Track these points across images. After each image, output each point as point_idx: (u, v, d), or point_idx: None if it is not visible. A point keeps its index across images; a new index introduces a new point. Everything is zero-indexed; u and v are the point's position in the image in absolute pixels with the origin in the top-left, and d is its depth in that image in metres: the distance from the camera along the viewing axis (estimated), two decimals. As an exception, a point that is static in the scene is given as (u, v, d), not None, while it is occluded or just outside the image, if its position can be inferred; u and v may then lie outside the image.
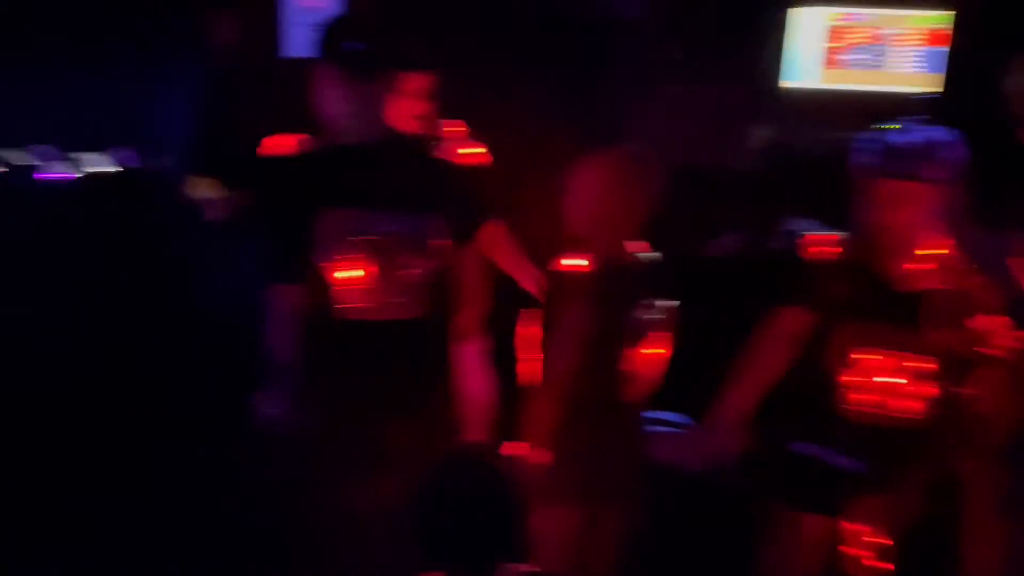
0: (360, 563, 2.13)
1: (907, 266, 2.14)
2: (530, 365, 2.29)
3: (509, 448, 2.25)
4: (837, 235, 2.22)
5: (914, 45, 4.53)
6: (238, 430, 2.21)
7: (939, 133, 2.07)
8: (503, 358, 2.36)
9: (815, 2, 4.62)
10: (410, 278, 2.08)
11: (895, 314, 2.12)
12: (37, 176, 5.68)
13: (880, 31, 4.58)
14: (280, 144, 2.22)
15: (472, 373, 2.31)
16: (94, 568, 2.82)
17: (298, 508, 2.15)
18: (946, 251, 2.13)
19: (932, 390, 2.14)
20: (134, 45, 5.19)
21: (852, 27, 4.61)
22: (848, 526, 2.21)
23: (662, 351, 2.32)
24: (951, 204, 2.08)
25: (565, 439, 2.28)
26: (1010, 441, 2.26)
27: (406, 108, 2.51)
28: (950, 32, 4.47)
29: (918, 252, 2.13)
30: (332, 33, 2.06)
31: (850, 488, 2.19)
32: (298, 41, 4.35)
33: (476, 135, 2.83)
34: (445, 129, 2.77)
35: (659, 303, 2.30)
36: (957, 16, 4.44)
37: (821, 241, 2.22)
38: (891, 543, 2.18)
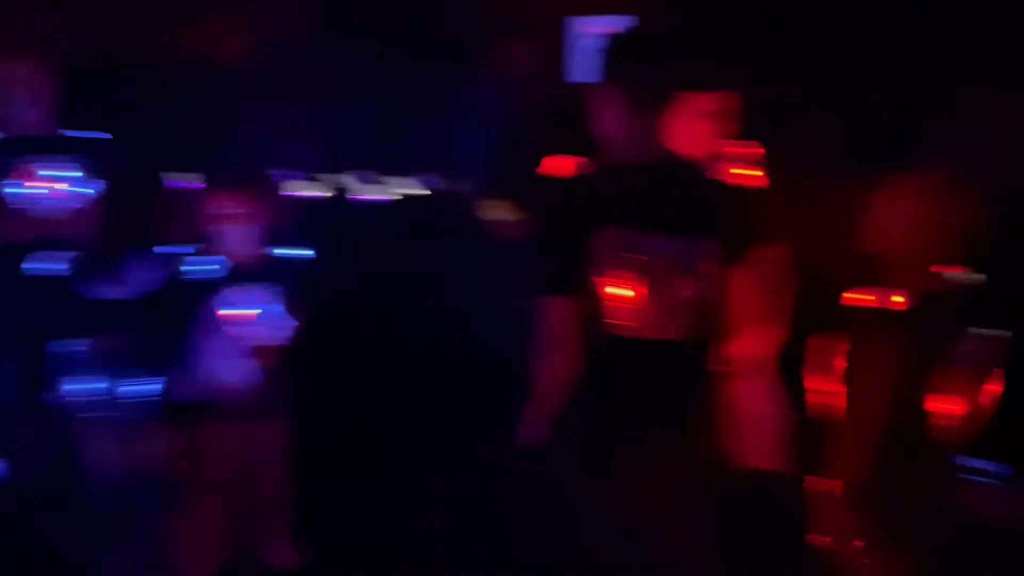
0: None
1: None
2: (825, 398, 2.15)
3: (814, 483, 2.14)
4: None
5: None
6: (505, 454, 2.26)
7: None
8: (789, 385, 2.24)
9: None
10: (679, 299, 2.05)
11: None
12: (357, 199, 6.24)
13: None
14: (560, 165, 2.28)
15: (753, 399, 2.22)
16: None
17: (569, 534, 2.16)
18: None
19: None
20: (437, 77, 5.55)
21: None
22: None
23: (986, 389, 2.08)
24: None
25: (870, 482, 2.13)
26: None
27: (696, 128, 2.47)
28: None
29: None
30: (615, 57, 2.08)
31: None
32: (585, 66, 4.44)
33: (767, 156, 2.72)
34: (735, 150, 2.69)
35: (982, 333, 2.08)
36: None
37: None
38: None
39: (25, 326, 2.78)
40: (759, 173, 2.68)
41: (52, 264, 2.49)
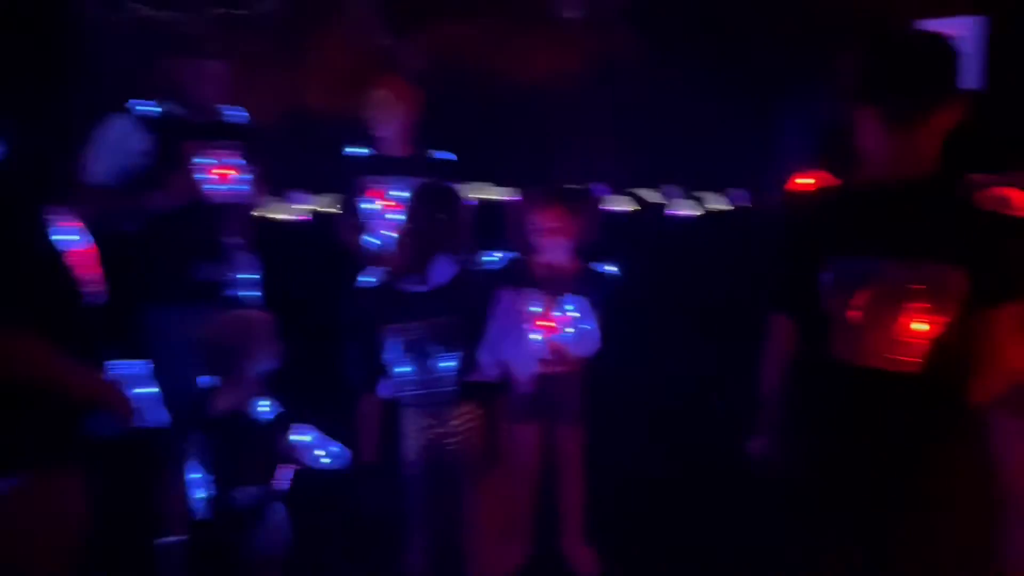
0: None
1: None
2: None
3: None
4: None
5: None
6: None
7: None
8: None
9: None
10: (916, 331, 1.88)
11: None
12: (668, 214, 6.28)
13: None
14: (808, 181, 2.18)
15: (1009, 448, 1.99)
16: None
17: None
18: None
19: None
20: (749, 99, 5.46)
21: None
22: None
23: None
24: None
25: None
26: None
27: (953, 146, 2.24)
28: None
29: None
30: (872, 76, 1.97)
31: None
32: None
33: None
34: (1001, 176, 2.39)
35: None
36: None
37: None
38: None
39: (357, 322, 3.11)
40: None
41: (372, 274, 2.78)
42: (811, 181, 2.16)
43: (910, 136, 1.93)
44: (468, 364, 2.55)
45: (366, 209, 3.49)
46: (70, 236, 1.77)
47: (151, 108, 3.08)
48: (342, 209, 3.59)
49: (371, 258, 3.28)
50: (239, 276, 3.19)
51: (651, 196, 6.42)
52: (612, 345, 2.99)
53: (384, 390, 2.67)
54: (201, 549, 2.41)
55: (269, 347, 2.54)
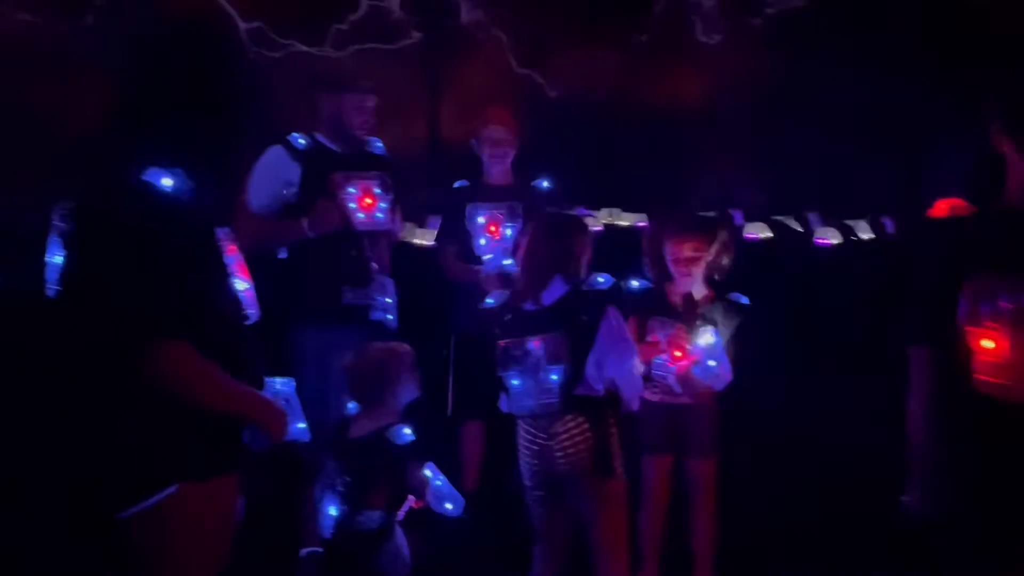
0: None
1: None
2: None
3: None
4: None
5: None
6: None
7: None
8: None
9: None
10: None
11: None
12: (807, 241, 6.11)
13: None
14: (950, 206, 2.11)
15: None
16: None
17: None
18: None
19: None
20: (892, 132, 5.31)
21: None
22: None
23: None
24: None
25: None
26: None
27: None
28: None
29: None
30: (1012, 111, 1.97)
31: None
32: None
33: None
34: None
35: None
36: None
37: None
38: None
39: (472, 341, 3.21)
40: None
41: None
42: (953, 207, 2.11)
43: None
44: (575, 378, 2.58)
45: (474, 236, 3.58)
46: (234, 260, 1.90)
47: (305, 140, 3.26)
48: (444, 237, 3.70)
49: (489, 282, 3.37)
50: (381, 299, 3.31)
51: (792, 223, 6.28)
52: (747, 377, 2.94)
53: (503, 405, 2.72)
54: (334, 564, 2.51)
55: (411, 379, 2.63)
